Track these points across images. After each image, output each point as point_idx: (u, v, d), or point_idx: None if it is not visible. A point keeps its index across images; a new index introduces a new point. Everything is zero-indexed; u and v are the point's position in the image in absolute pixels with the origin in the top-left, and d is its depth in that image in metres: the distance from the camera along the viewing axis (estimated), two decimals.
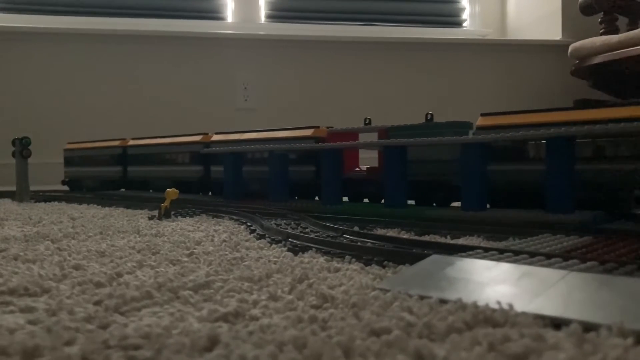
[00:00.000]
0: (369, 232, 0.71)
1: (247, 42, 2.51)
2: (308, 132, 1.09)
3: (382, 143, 0.90)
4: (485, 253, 0.49)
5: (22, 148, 1.46)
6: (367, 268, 0.51)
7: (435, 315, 0.34)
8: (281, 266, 0.52)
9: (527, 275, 0.39)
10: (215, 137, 1.31)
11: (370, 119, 1.05)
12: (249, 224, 0.84)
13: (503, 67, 2.68)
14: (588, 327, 0.31)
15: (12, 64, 2.34)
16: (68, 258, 0.57)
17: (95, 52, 2.40)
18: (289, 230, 0.70)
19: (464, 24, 2.84)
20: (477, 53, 2.67)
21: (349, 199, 1.05)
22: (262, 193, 1.14)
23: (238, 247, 0.65)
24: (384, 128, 0.98)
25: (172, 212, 0.99)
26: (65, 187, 1.85)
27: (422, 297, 0.38)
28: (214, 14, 2.61)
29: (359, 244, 0.60)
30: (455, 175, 0.85)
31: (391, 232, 0.74)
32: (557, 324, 0.32)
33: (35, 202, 1.41)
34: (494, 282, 0.39)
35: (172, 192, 0.98)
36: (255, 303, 0.39)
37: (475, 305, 0.35)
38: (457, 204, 0.89)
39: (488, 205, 0.83)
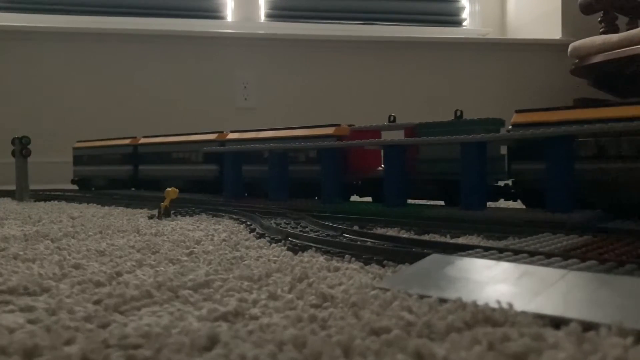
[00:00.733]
0: (369, 231, 0.71)
1: (247, 41, 2.51)
2: (329, 131, 1.05)
3: (380, 142, 0.90)
4: (485, 252, 0.49)
5: (21, 147, 1.46)
6: (367, 267, 0.51)
7: (435, 315, 0.34)
8: (281, 265, 0.52)
9: (527, 275, 0.39)
10: (231, 136, 1.27)
11: (394, 116, 1.00)
12: (248, 223, 0.84)
13: (503, 66, 2.68)
14: (588, 327, 0.31)
15: (11, 63, 2.34)
16: (68, 257, 0.57)
17: (95, 51, 2.40)
18: (289, 230, 0.70)
19: (464, 23, 2.84)
20: (477, 52, 2.68)
21: (372, 199, 1.01)
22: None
23: (238, 246, 0.65)
24: (410, 125, 0.94)
25: (172, 211, 0.99)
26: (75, 186, 1.82)
27: (421, 297, 0.38)
28: (213, 13, 2.61)
29: (358, 243, 0.60)
30: (491, 174, 0.82)
31: (391, 232, 0.74)
32: (556, 323, 0.32)
33: (35, 201, 1.41)
34: (493, 281, 0.39)
35: (171, 192, 0.98)
36: (254, 302, 0.39)
37: (474, 304, 0.35)
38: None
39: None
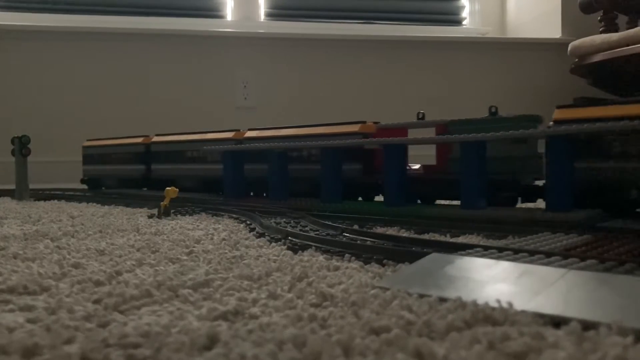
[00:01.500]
0: (369, 230, 0.71)
1: (247, 40, 2.51)
2: (354, 128, 1.02)
3: (381, 141, 0.90)
4: (485, 251, 0.49)
5: (21, 146, 1.46)
6: (367, 266, 0.51)
7: (435, 314, 0.34)
8: (281, 264, 0.52)
9: (527, 274, 0.39)
10: (249, 134, 1.23)
11: (423, 113, 0.96)
12: (248, 222, 0.84)
13: (503, 65, 2.68)
14: (587, 326, 0.31)
15: (11, 62, 2.34)
16: (67, 256, 0.57)
17: (94, 50, 2.40)
18: (289, 229, 0.70)
19: (464, 22, 2.84)
20: (477, 51, 2.67)
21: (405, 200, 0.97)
22: (308, 192, 1.08)
23: (237, 245, 0.65)
24: (442, 123, 0.91)
25: (172, 211, 0.99)
26: (84, 186, 1.78)
27: (421, 296, 0.38)
28: (213, 12, 2.61)
29: (358, 242, 0.60)
30: (526, 173, 0.80)
31: (391, 231, 0.74)
32: (556, 322, 0.32)
33: (35, 200, 1.40)
34: (493, 280, 0.39)
35: (171, 191, 0.98)
36: (254, 301, 0.39)
37: (474, 303, 0.35)
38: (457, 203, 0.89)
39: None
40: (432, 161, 0.96)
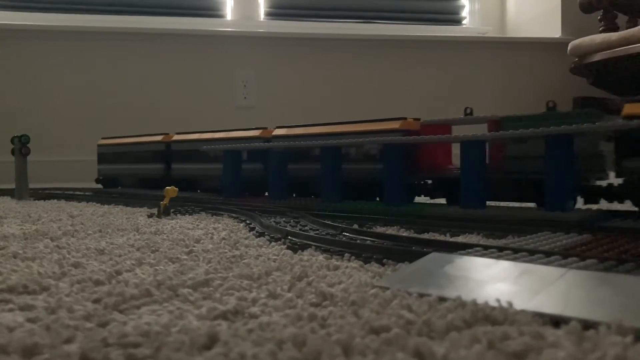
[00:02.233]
0: (369, 229, 0.71)
1: (247, 40, 2.51)
2: (395, 125, 0.94)
3: (383, 140, 0.90)
4: (485, 251, 0.49)
5: (21, 146, 1.46)
6: (367, 266, 0.51)
7: (435, 313, 0.34)
8: (280, 264, 0.52)
9: (527, 273, 0.39)
10: (277, 132, 1.16)
11: (471, 109, 0.91)
12: (248, 221, 0.84)
13: (503, 65, 2.68)
14: (587, 325, 0.31)
15: (11, 61, 2.34)
16: (67, 256, 0.57)
17: (94, 49, 2.40)
18: (288, 228, 0.70)
19: (464, 22, 2.84)
20: (477, 51, 2.67)
21: (446, 201, 0.91)
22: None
23: (237, 245, 0.65)
24: (495, 119, 0.85)
25: (172, 210, 0.99)
26: (99, 185, 1.72)
27: (421, 295, 0.38)
28: (213, 12, 2.61)
29: (358, 241, 0.60)
30: (587, 172, 0.76)
31: (390, 230, 0.74)
32: (556, 321, 0.32)
33: (35, 200, 1.40)
34: (493, 279, 0.39)
35: (171, 190, 0.98)
36: (254, 301, 0.39)
37: (474, 303, 0.35)
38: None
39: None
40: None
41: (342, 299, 0.39)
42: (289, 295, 0.40)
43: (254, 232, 0.74)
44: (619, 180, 0.75)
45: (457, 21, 2.83)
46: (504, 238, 0.65)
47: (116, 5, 2.51)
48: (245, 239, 0.69)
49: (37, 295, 0.42)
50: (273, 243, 0.65)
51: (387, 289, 0.41)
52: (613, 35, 1.76)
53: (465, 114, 0.91)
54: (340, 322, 0.34)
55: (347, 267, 0.50)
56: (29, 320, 0.35)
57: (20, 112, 2.33)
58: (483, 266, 0.42)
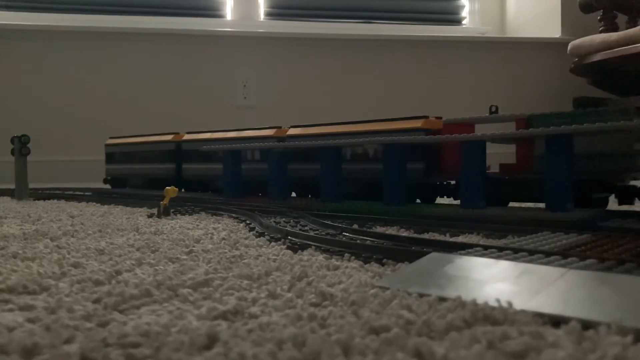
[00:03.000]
0: (368, 229, 0.71)
1: (246, 40, 2.51)
2: (417, 124, 0.92)
3: (384, 140, 0.90)
4: (485, 251, 0.49)
5: (21, 146, 1.46)
6: (366, 266, 0.51)
7: (435, 313, 0.34)
8: (280, 264, 0.52)
9: (526, 273, 0.39)
10: (291, 131, 1.14)
11: (497, 107, 0.90)
12: (248, 221, 0.84)
13: (502, 65, 2.68)
14: (587, 325, 0.31)
15: (10, 61, 2.34)
16: (67, 256, 0.57)
17: (93, 49, 2.40)
18: (288, 228, 0.70)
19: (464, 22, 2.84)
20: (477, 51, 2.67)
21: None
22: (360, 194, 1.00)
23: (237, 245, 0.65)
24: (522, 117, 0.82)
25: (172, 210, 0.99)
26: (107, 186, 1.71)
27: (421, 295, 0.38)
28: (213, 12, 2.61)
29: (358, 241, 0.60)
30: (622, 172, 0.73)
31: (390, 230, 0.74)
32: (556, 321, 0.32)
33: (35, 200, 1.40)
34: (493, 279, 0.39)
35: (171, 190, 0.98)
36: (254, 301, 0.39)
37: (474, 303, 0.35)
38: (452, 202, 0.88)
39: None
40: (511, 159, 0.87)
41: (342, 299, 0.39)
42: (289, 295, 0.40)
43: (254, 232, 0.74)
44: None
45: (457, 21, 2.83)
46: (504, 238, 0.65)
47: (116, 5, 2.51)
48: (245, 239, 0.69)
49: (37, 296, 0.42)
50: (273, 243, 0.65)
51: (387, 289, 0.41)
52: (613, 36, 1.76)
53: (490, 113, 0.88)
54: (340, 322, 0.34)
55: (347, 267, 0.50)
56: (29, 320, 0.35)
57: (20, 112, 2.33)
58: (483, 266, 0.42)
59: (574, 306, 0.33)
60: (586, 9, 1.95)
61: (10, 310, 0.38)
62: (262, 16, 2.65)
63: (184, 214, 0.99)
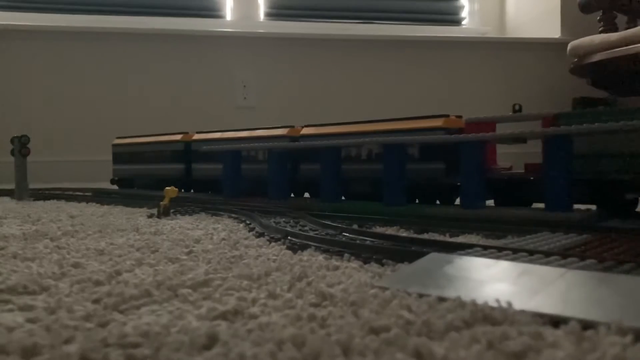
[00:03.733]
0: (368, 230, 0.71)
1: (246, 40, 2.51)
2: (437, 122, 0.90)
3: (383, 140, 0.90)
4: (484, 251, 0.49)
5: (20, 146, 1.46)
6: (366, 266, 0.51)
7: (434, 313, 0.34)
8: (280, 264, 0.52)
9: (526, 273, 0.39)
10: (305, 131, 1.12)
11: (520, 105, 0.86)
12: (248, 222, 0.84)
13: (502, 65, 2.68)
14: (587, 325, 0.31)
15: (10, 61, 2.34)
16: (67, 256, 0.57)
17: (93, 50, 2.40)
18: (288, 229, 0.70)
19: (463, 22, 2.84)
20: (476, 51, 2.68)
21: (495, 202, 0.86)
22: (370, 194, 0.99)
23: (237, 245, 0.65)
24: (549, 115, 0.79)
25: (172, 210, 0.99)
26: (115, 186, 1.67)
27: (421, 295, 0.38)
28: (212, 12, 2.61)
29: (358, 241, 0.60)
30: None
31: (390, 230, 0.74)
32: (555, 321, 0.32)
33: (34, 200, 1.40)
34: (492, 280, 0.39)
35: (171, 190, 0.98)
36: (254, 301, 0.39)
37: (474, 303, 0.35)
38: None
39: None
40: (538, 159, 0.81)
41: (342, 299, 0.39)
42: (289, 295, 0.40)
43: (254, 232, 0.74)
44: None
45: (457, 21, 2.83)
46: (504, 238, 0.65)
47: (114, 5, 2.51)
48: (245, 239, 0.69)
49: (37, 296, 0.42)
50: (273, 243, 0.65)
51: (387, 289, 0.41)
52: (612, 36, 1.76)
53: (514, 111, 0.86)
54: (340, 322, 0.34)
55: (346, 267, 0.50)
56: (29, 320, 0.35)
57: (20, 112, 2.33)
58: (482, 266, 0.42)
59: (574, 306, 0.33)
60: (586, 9, 1.95)
61: (10, 310, 0.38)
62: (262, 16, 2.65)
63: (183, 214, 0.99)
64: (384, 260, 0.52)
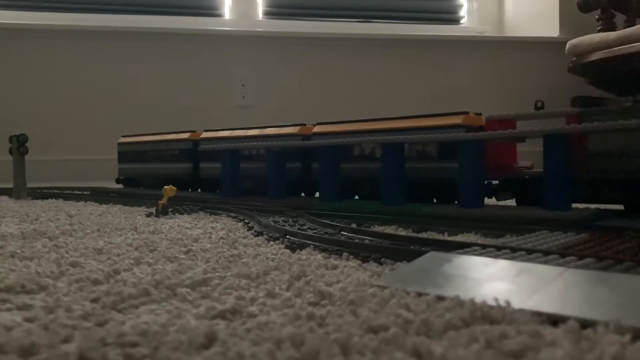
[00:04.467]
0: (367, 229, 0.71)
1: (245, 39, 2.51)
2: (457, 120, 0.87)
3: (388, 139, 0.90)
4: (483, 250, 0.49)
5: (19, 145, 1.46)
6: (365, 265, 0.51)
7: (433, 312, 0.34)
8: (279, 263, 0.52)
9: (525, 272, 0.39)
10: (317, 129, 1.09)
11: (543, 102, 0.84)
12: (246, 221, 0.84)
13: (501, 64, 2.68)
14: (585, 324, 0.31)
15: (8, 60, 2.34)
16: (65, 255, 0.57)
17: (91, 49, 2.39)
18: (287, 227, 0.70)
19: (462, 21, 2.84)
20: (475, 50, 2.68)
21: (516, 202, 0.85)
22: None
23: (236, 244, 0.65)
24: (574, 113, 0.76)
25: (170, 209, 0.99)
26: (120, 186, 1.65)
27: (419, 294, 0.38)
28: (211, 11, 2.60)
29: (356, 240, 0.60)
30: None
31: (389, 229, 0.74)
32: (554, 320, 0.32)
33: (33, 199, 1.40)
34: (491, 279, 0.39)
35: (169, 189, 0.97)
36: (252, 300, 0.39)
37: (472, 302, 0.35)
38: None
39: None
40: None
41: (341, 298, 0.39)
42: (287, 294, 0.40)
43: (252, 231, 0.74)
44: None
45: (455, 20, 2.83)
46: (502, 237, 0.65)
47: (112, 4, 2.50)
48: (244, 238, 0.69)
49: (35, 295, 0.42)
50: (271, 242, 0.65)
51: (385, 288, 0.41)
52: (611, 35, 1.76)
53: (536, 108, 0.84)
54: (339, 321, 0.34)
55: (345, 266, 0.50)
56: (27, 319, 0.35)
57: (18, 111, 2.32)
58: (481, 265, 0.42)
59: (572, 305, 0.33)
60: (584, 8, 1.95)
61: (9, 309, 0.38)
62: (260, 15, 2.64)
63: (182, 214, 0.99)
64: (383, 259, 0.52)
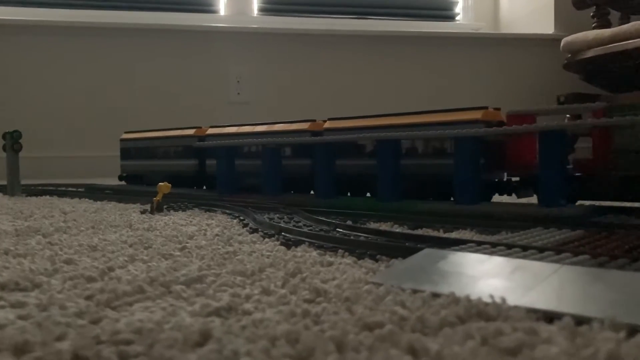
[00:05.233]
0: (362, 225, 0.71)
1: (240, 36, 2.50)
2: (476, 115, 0.84)
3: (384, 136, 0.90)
4: (478, 247, 0.49)
5: (13, 142, 1.45)
6: (360, 262, 0.51)
7: (428, 309, 0.34)
8: (274, 260, 0.52)
9: (520, 269, 0.39)
10: (328, 124, 1.06)
11: (566, 97, 0.82)
12: (241, 218, 0.84)
13: (496, 61, 2.68)
14: (580, 321, 0.31)
15: (4, 57, 2.32)
16: (59, 252, 0.57)
17: (86, 45, 2.38)
18: (282, 224, 0.70)
19: (457, 18, 2.84)
20: (470, 47, 2.68)
21: (538, 200, 0.80)
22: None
23: (231, 241, 0.64)
24: (600, 108, 0.74)
25: (165, 206, 0.98)
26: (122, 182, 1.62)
27: (415, 291, 0.38)
28: (206, 7, 2.60)
29: (352, 237, 0.60)
30: None
31: (384, 226, 0.74)
32: (549, 317, 0.32)
33: (27, 196, 1.40)
34: (486, 275, 0.39)
35: (164, 186, 0.97)
36: (247, 297, 0.39)
37: (468, 299, 0.35)
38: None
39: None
40: (587, 154, 0.77)
41: (336, 295, 0.39)
42: (283, 291, 0.40)
43: (248, 228, 0.74)
44: None
45: (451, 17, 2.83)
46: (497, 234, 0.65)
47: (108, 0, 2.49)
48: (239, 235, 0.69)
49: (29, 292, 0.41)
50: (267, 239, 0.65)
51: (381, 285, 0.41)
52: (606, 32, 1.77)
53: (559, 103, 0.81)
54: (334, 318, 0.33)
55: (340, 263, 0.50)
56: (21, 317, 0.35)
57: (11, 108, 2.31)
58: (476, 262, 0.42)
59: (568, 302, 0.33)
60: (579, 5, 1.95)
61: (2, 307, 0.38)
62: (255, 11, 2.64)
63: (177, 210, 0.99)
64: (378, 256, 0.52)
